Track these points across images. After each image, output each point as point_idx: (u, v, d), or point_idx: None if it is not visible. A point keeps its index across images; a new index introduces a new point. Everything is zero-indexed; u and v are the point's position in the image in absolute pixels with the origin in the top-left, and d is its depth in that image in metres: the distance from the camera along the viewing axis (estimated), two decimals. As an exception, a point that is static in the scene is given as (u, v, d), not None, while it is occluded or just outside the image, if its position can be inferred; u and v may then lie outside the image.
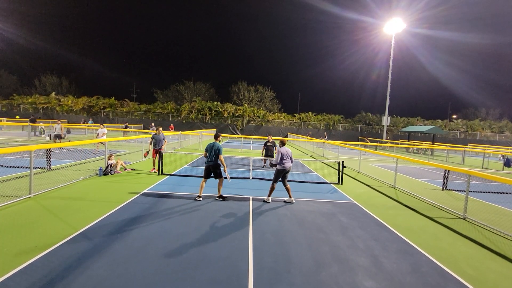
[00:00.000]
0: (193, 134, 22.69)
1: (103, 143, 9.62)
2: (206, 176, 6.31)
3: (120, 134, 22.78)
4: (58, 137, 14.59)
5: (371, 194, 8.00)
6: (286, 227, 4.94)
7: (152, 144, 9.70)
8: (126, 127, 23.70)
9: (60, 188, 6.58)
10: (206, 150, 6.25)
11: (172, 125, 33.08)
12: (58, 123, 14.91)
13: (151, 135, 10.10)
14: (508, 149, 26.35)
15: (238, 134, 35.94)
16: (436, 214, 6.27)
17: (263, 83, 51.62)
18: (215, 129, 34.60)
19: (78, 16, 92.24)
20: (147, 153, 9.88)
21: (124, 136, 19.06)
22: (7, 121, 25.79)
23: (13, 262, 3.22)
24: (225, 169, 6.36)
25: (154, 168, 9.42)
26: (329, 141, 25.50)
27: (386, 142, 29.65)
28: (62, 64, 72.33)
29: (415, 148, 26.04)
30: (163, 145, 9.74)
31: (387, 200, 7.42)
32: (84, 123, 31.98)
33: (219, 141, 6.55)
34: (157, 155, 9.31)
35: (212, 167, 6.19)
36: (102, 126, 14.66)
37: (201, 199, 6.24)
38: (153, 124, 30.46)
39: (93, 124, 28.87)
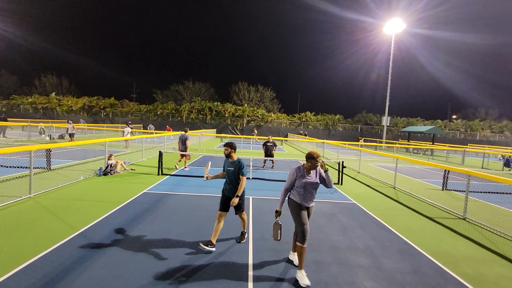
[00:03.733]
0: (193, 134, 22.68)
1: (128, 141, 9.63)
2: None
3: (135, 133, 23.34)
4: (71, 135, 16.47)
5: (371, 194, 8.00)
6: (286, 227, 4.93)
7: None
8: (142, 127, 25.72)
9: (60, 188, 6.58)
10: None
11: (168, 126, 33.92)
12: (70, 123, 16.90)
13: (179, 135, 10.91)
14: (508, 149, 26.35)
15: (238, 134, 35.94)
16: (436, 214, 6.27)
17: (263, 83, 51.77)
18: (215, 129, 34.59)
19: (78, 16, 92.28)
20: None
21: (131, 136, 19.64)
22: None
23: (13, 262, 3.22)
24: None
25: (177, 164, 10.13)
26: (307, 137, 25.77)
27: (394, 143, 29.57)
28: (62, 64, 72.55)
29: (413, 148, 26.07)
30: (183, 146, 10.24)
31: (387, 200, 7.42)
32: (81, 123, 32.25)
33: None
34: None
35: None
36: (127, 125, 17.34)
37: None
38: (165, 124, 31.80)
39: (85, 124, 29.03)
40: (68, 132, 16.69)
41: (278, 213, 3.47)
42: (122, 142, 17.46)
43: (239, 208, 4.14)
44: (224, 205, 4.08)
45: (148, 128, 28.32)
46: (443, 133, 31.41)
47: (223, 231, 4.55)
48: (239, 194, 3.94)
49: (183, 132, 10.58)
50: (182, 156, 10.24)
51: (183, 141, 10.13)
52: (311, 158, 3.38)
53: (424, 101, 77.93)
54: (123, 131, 16.94)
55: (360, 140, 24.68)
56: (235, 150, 4.15)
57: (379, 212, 6.14)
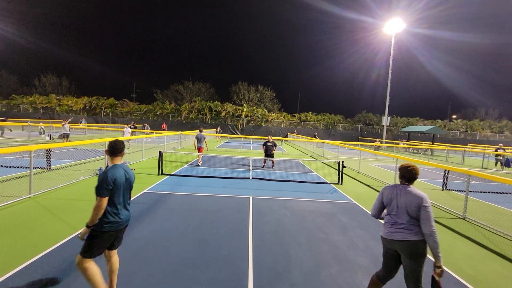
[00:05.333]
0: (193, 134, 22.69)
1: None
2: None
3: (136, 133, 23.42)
4: (67, 136, 16.05)
5: (371, 194, 8.00)
6: (286, 227, 4.94)
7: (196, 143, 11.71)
8: (145, 127, 26.75)
9: (60, 188, 6.58)
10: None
11: (164, 124, 34.64)
12: (66, 123, 16.44)
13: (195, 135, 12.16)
14: (508, 149, 26.31)
15: (238, 134, 35.94)
16: (436, 214, 6.27)
17: (263, 83, 51.85)
18: (215, 129, 34.56)
19: (78, 16, 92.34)
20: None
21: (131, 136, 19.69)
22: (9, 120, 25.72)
23: (13, 262, 3.22)
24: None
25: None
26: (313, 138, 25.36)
27: (396, 143, 29.30)
28: (62, 64, 72.72)
29: (410, 148, 26.00)
30: (202, 144, 11.53)
31: (387, 200, 7.41)
32: (80, 123, 32.30)
33: None
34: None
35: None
36: (126, 126, 17.34)
37: None
38: (164, 124, 32.54)
39: (86, 124, 29.08)
40: (64, 131, 16.13)
41: (441, 269, 2.34)
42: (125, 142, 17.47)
43: (83, 249, 2.49)
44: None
45: (145, 128, 28.35)
46: (443, 133, 31.37)
47: (224, 230, 4.55)
48: (89, 224, 2.46)
49: (198, 131, 12.08)
50: (199, 152, 11.80)
51: (200, 140, 11.58)
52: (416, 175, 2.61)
53: (424, 101, 78.06)
54: (123, 131, 16.97)
55: (376, 141, 24.37)
56: (111, 153, 2.69)
57: (379, 212, 6.14)
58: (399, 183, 2.71)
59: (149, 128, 28.36)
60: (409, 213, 2.45)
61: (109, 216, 2.54)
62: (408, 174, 2.57)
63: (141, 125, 32.65)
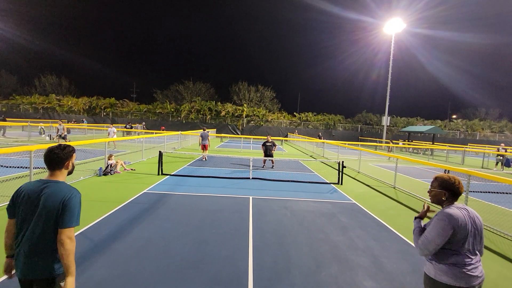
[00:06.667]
0: (193, 134, 22.70)
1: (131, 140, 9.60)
2: None
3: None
4: (63, 137, 15.49)
5: (371, 194, 8.00)
6: (286, 227, 4.94)
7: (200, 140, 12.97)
8: (144, 127, 26.69)
9: (60, 188, 6.56)
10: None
11: (163, 126, 34.75)
12: (61, 124, 15.62)
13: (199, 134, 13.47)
14: (509, 149, 26.31)
15: (238, 134, 35.94)
16: (436, 214, 6.26)
17: (263, 83, 51.66)
18: (215, 129, 34.56)
19: (78, 16, 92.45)
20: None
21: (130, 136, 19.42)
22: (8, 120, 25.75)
23: (13, 262, 3.22)
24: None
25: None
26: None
27: (396, 143, 29.17)
28: (62, 64, 72.79)
29: (410, 148, 25.95)
30: (206, 141, 12.79)
31: (387, 200, 7.42)
32: (74, 122, 32.27)
33: None
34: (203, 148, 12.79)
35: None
36: (111, 126, 16.61)
37: None
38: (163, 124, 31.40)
39: (87, 124, 29.08)
40: (59, 133, 15.55)
41: None
42: (122, 143, 17.45)
43: None
44: None
45: (139, 128, 28.18)
46: (443, 133, 31.34)
47: (224, 230, 4.55)
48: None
49: (202, 130, 13.21)
50: (203, 148, 12.84)
51: (204, 137, 12.79)
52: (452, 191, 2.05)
53: (424, 101, 78.03)
54: (108, 132, 15.54)
55: (389, 142, 24.15)
56: (46, 165, 1.95)
57: (379, 212, 6.14)
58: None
59: (140, 128, 28.09)
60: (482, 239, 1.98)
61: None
62: (461, 191, 2.02)
63: (137, 124, 32.71)
